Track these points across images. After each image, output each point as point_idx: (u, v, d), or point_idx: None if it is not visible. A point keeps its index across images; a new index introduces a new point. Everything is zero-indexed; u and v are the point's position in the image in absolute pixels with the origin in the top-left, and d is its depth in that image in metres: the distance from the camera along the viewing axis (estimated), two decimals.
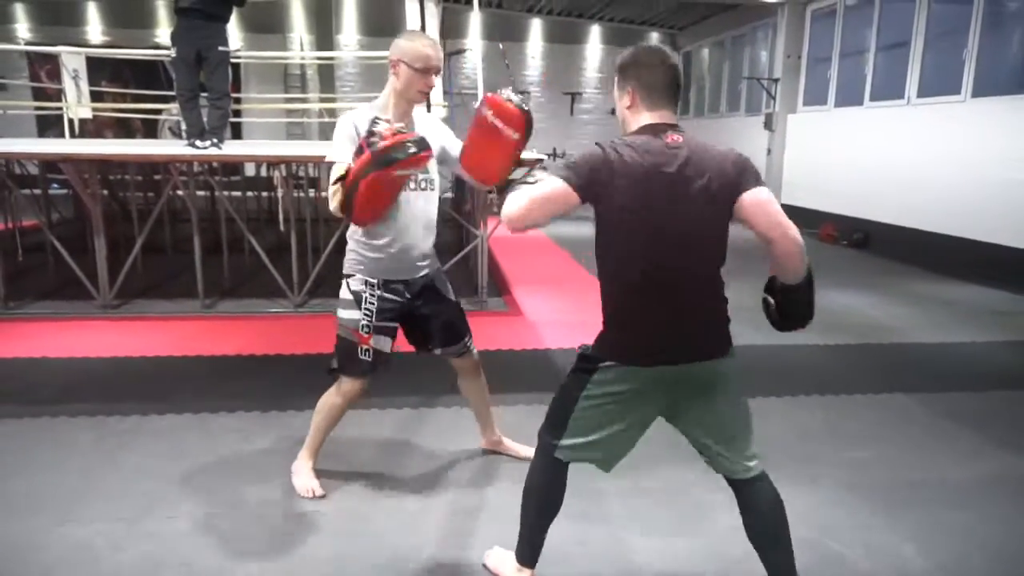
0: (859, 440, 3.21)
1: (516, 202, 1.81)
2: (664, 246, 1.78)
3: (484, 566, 2.22)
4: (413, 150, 2.23)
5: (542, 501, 2.01)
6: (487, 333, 4.71)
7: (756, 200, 1.82)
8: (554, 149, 13.77)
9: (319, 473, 2.70)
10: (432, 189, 2.57)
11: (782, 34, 10.53)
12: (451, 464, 2.92)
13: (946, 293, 6.27)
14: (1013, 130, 6.62)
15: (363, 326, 2.52)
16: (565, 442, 1.92)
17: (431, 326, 2.67)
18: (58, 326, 4.73)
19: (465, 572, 2.23)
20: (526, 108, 2.34)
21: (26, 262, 6.39)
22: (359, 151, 2.25)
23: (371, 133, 2.24)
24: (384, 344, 2.56)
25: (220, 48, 5.05)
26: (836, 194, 9.32)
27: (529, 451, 2.82)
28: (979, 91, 7.13)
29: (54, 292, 5.52)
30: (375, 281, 2.52)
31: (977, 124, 7.07)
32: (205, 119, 5.21)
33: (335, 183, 2.32)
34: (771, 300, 2.04)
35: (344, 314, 2.56)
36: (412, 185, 2.49)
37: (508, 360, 4.22)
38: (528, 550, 2.06)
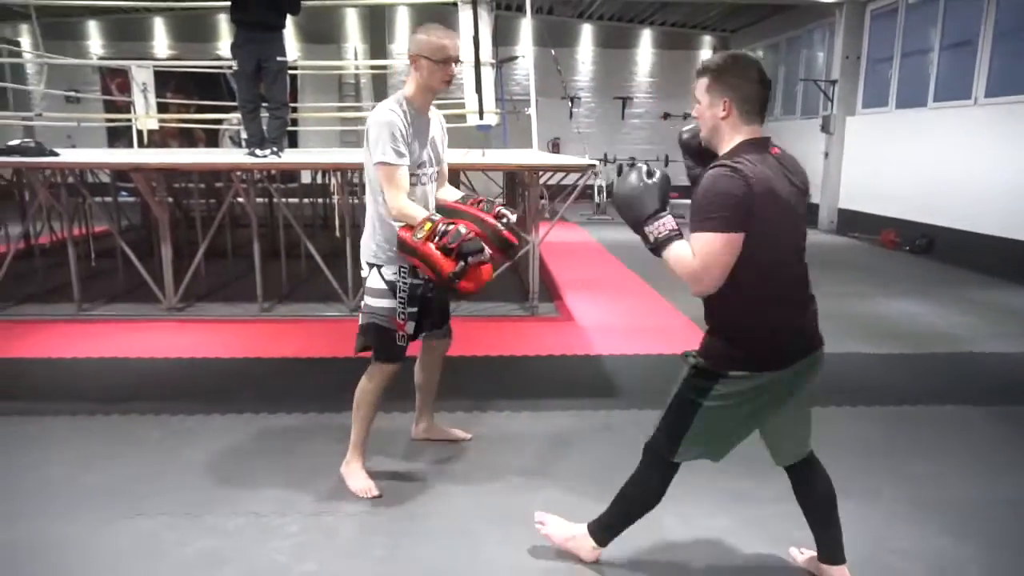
0: (921, 453, 3.10)
1: (704, 278, 1.80)
2: (794, 256, 1.92)
3: (544, 534, 2.31)
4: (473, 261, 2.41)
5: (644, 505, 2.12)
6: (537, 339, 4.73)
7: None
8: (604, 155, 13.71)
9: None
10: (435, 181, 2.75)
11: (840, 34, 10.26)
12: (465, 466, 2.93)
13: (1014, 301, 6.00)
14: None
15: (400, 314, 2.62)
16: (683, 448, 2.00)
17: (432, 307, 2.76)
18: (127, 327, 4.94)
19: (522, 570, 2.24)
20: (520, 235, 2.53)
21: (98, 266, 6.69)
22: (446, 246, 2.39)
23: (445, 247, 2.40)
24: (413, 329, 2.68)
25: (279, 59, 5.21)
26: (898, 198, 9.02)
27: (460, 432, 3.10)
28: None
29: (123, 295, 5.77)
30: (407, 268, 2.59)
31: None
32: (265, 128, 5.38)
33: (401, 207, 2.49)
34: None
35: (377, 303, 2.63)
36: (424, 179, 2.65)
37: (559, 366, 4.22)
38: (612, 535, 2.18)
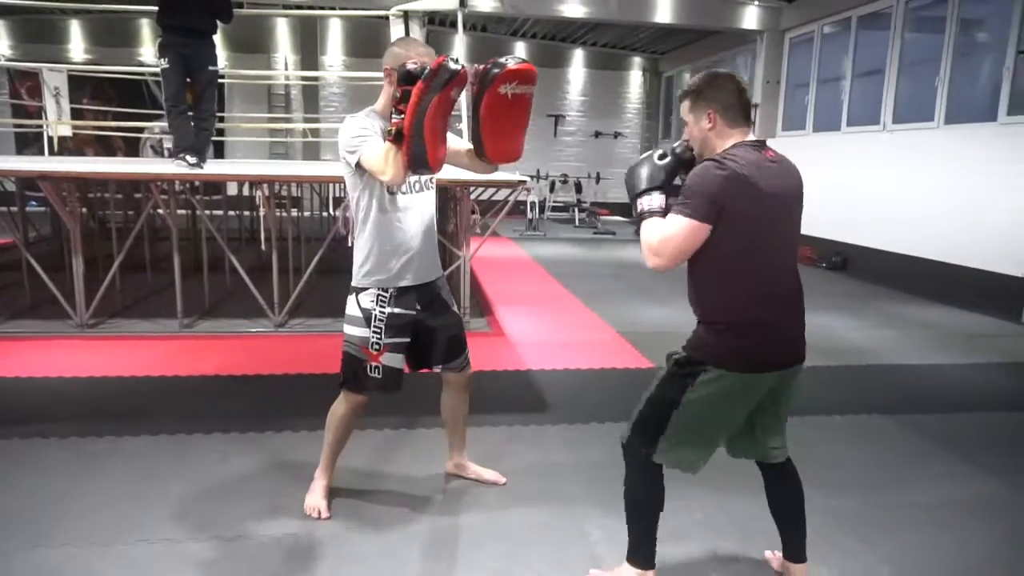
0: (835, 462, 3.23)
1: (661, 253, 1.91)
2: (782, 257, 1.97)
3: None
4: (458, 67, 2.15)
5: (651, 507, 2.10)
6: (470, 354, 4.70)
7: None
8: (537, 171, 13.88)
9: (290, 492, 2.67)
10: (431, 188, 2.59)
11: (761, 60, 10.74)
12: (433, 488, 2.89)
13: (923, 316, 6.36)
14: (984, 156, 6.78)
15: (372, 344, 2.49)
16: (662, 448, 2.00)
17: (437, 339, 2.63)
18: (32, 345, 4.65)
19: None
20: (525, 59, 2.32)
21: (1, 280, 6.29)
22: (403, 98, 2.19)
23: (408, 73, 2.21)
24: (395, 361, 2.53)
25: (210, 68, 5.00)
26: (815, 217, 9.36)
27: (493, 474, 2.92)
28: (952, 118, 7.31)
29: (29, 311, 5.44)
30: (388, 295, 2.49)
31: (950, 150, 7.23)
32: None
33: (383, 154, 2.24)
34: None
35: (351, 331, 2.53)
36: (418, 186, 2.52)
37: (490, 381, 4.21)
38: (647, 552, 2.13)
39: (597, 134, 15.09)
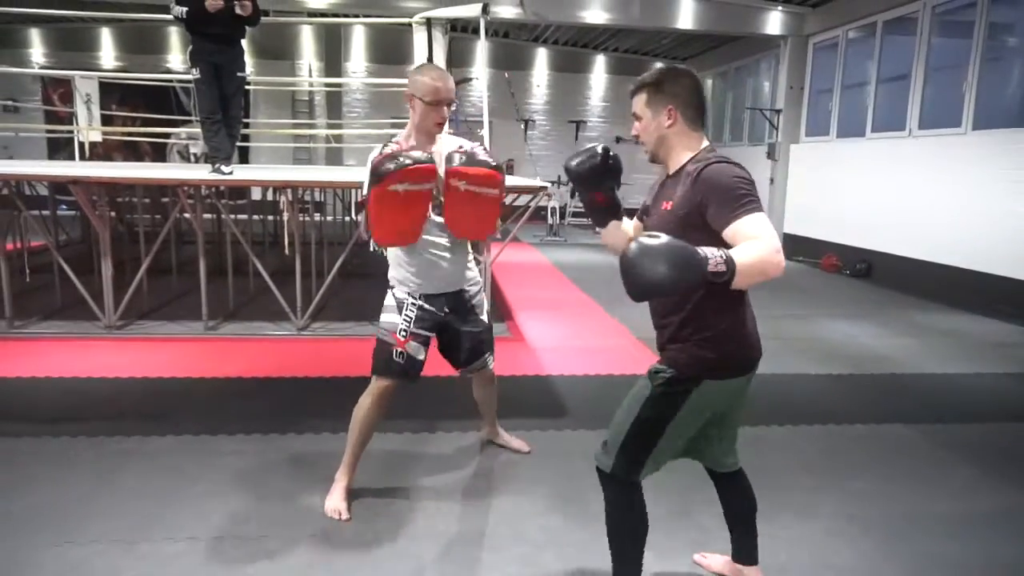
0: (858, 471, 3.19)
1: (772, 250, 1.66)
2: None
3: None
4: (407, 162, 2.31)
5: (643, 531, 2.01)
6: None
7: None
8: (559, 176, 13.88)
9: (311, 493, 2.70)
10: None
11: (785, 65, 10.66)
12: (453, 492, 2.91)
13: (948, 324, 6.27)
14: (1012, 162, 6.67)
15: (401, 330, 2.65)
16: (647, 468, 1.93)
17: (460, 343, 2.83)
18: (62, 346, 4.75)
19: None
20: (494, 163, 2.51)
21: (33, 282, 6.44)
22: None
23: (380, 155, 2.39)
24: (418, 351, 2.69)
25: (239, 74, 5.05)
26: (839, 224, 9.36)
27: (520, 442, 3.22)
28: (979, 124, 7.20)
29: (59, 312, 5.56)
30: (418, 294, 2.68)
31: (977, 156, 7.12)
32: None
33: (361, 207, 2.47)
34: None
35: (384, 318, 2.70)
36: (439, 210, 2.61)
37: (510, 387, 4.21)
38: None
39: (618, 139, 15.06)
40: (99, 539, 2.44)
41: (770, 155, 10.88)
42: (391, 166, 2.32)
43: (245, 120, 6.07)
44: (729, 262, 1.60)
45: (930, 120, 7.96)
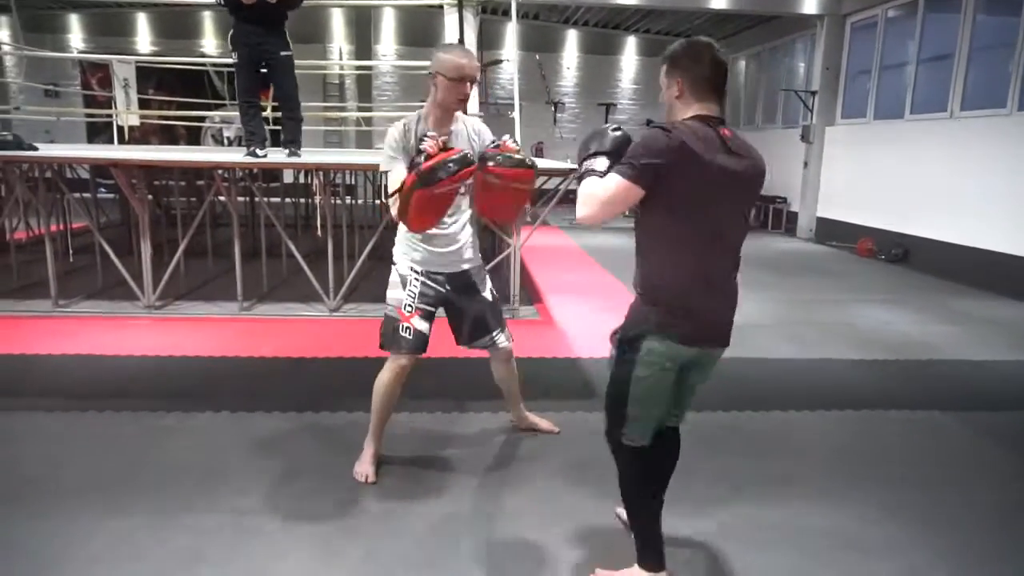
0: (893, 458, 3.16)
1: (588, 204, 1.90)
2: (722, 240, 1.94)
3: None
4: (454, 168, 2.37)
5: (645, 496, 2.10)
6: (518, 341, 4.71)
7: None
8: None
9: (345, 468, 2.78)
10: (464, 193, 2.73)
11: (820, 46, 10.42)
12: (482, 471, 2.95)
13: (987, 310, 6.12)
14: None
15: (406, 305, 2.72)
16: (629, 426, 2.03)
17: (463, 319, 2.89)
18: (104, 325, 4.90)
19: (502, 570, 2.26)
20: (530, 162, 2.56)
21: (76, 263, 6.61)
22: (411, 166, 2.44)
23: (418, 151, 2.44)
24: (423, 326, 2.74)
25: (283, 53, 4.95)
26: (875, 208, 9.18)
27: (548, 424, 3.25)
28: None
29: (101, 292, 5.71)
30: (420, 269, 2.74)
31: (1022, 137, 6.91)
32: (281, 129, 5.19)
33: (393, 194, 2.50)
34: None
35: (390, 294, 2.77)
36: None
37: (539, 368, 4.24)
38: (654, 552, 2.11)
39: (649, 122, 14.85)
40: (144, 511, 2.53)
41: (804, 138, 10.67)
42: (442, 174, 2.36)
43: (275, 104, 6.06)
44: (583, 176, 1.94)
45: (973, 101, 7.73)
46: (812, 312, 5.79)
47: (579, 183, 1.96)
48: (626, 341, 1.99)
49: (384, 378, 2.78)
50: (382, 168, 2.64)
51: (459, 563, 2.30)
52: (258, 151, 5.03)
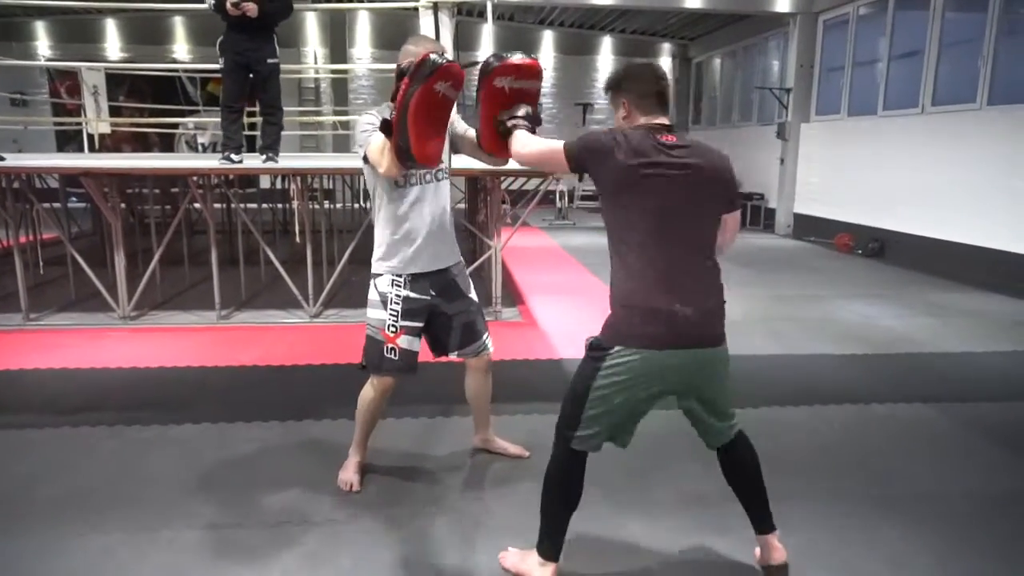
0: (880, 452, 3.18)
1: (527, 147, 2.17)
2: (682, 241, 1.95)
3: (504, 568, 2.24)
4: (442, 61, 2.22)
5: (564, 497, 2.10)
6: (501, 344, 4.71)
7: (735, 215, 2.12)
8: None
9: (329, 478, 2.73)
10: (444, 178, 2.66)
11: (794, 44, 10.53)
12: (467, 474, 2.92)
13: (964, 303, 6.21)
14: None
15: (389, 326, 2.59)
16: (582, 430, 2.02)
17: (452, 325, 2.73)
18: (78, 337, 4.79)
19: None
20: (532, 56, 2.44)
21: (47, 275, 6.47)
22: (383, 126, 2.33)
23: (400, 70, 2.40)
24: (412, 344, 2.64)
25: (270, 60, 4.94)
26: (851, 203, 9.28)
27: (518, 448, 3.06)
28: (995, 99, 7.10)
29: (74, 304, 5.59)
30: (402, 280, 2.59)
31: (992, 131, 7.03)
32: (259, 135, 5.16)
33: (379, 147, 2.36)
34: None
35: (371, 314, 2.64)
36: (428, 177, 2.58)
37: (523, 370, 4.22)
38: (551, 544, 2.13)
39: None
40: (123, 527, 2.46)
41: (780, 135, 10.77)
42: (434, 64, 2.20)
43: (251, 109, 6.00)
44: (514, 127, 2.28)
45: (944, 96, 7.85)
46: (793, 308, 5.83)
47: (507, 133, 2.25)
48: (595, 348, 2.00)
49: (368, 395, 2.71)
50: (364, 142, 2.44)
51: (446, 572, 2.27)
52: (233, 156, 4.98)
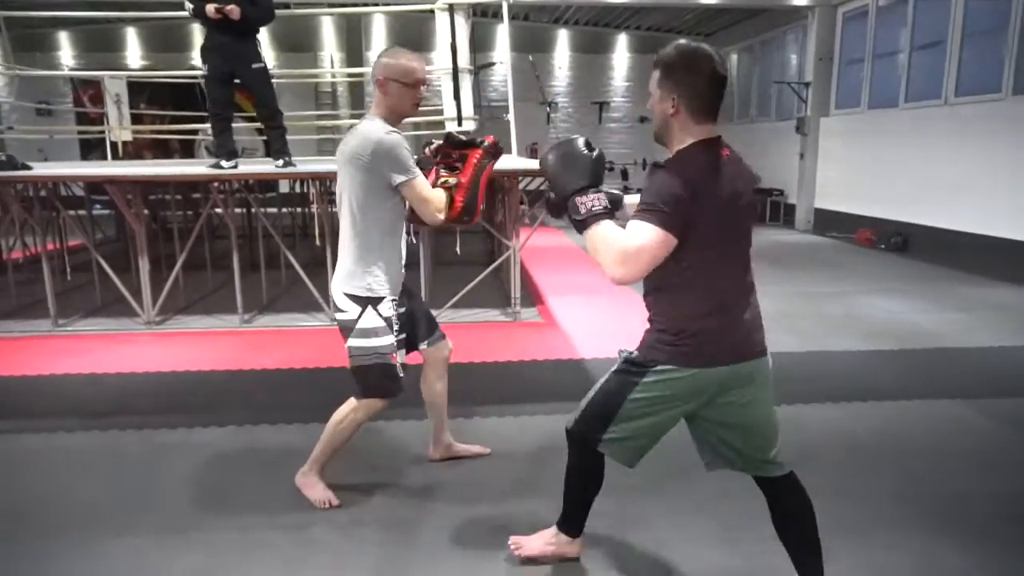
0: (909, 449, 3.14)
1: (630, 261, 1.72)
2: (735, 262, 1.87)
3: (527, 556, 2.28)
4: (500, 146, 2.63)
5: (588, 492, 2.18)
6: (521, 344, 4.73)
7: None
8: None
9: (354, 479, 2.74)
10: None
11: (813, 37, 10.42)
12: (454, 475, 2.92)
13: (991, 296, 6.11)
14: None
15: (395, 347, 2.58)
16: (608, 438, 1.98)
17: (417, 319, 2.75)
18: (105, 342, 4.86)
19: None
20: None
21: (73, 281, 6.58)
22: (419, 164, 2.52)
23: (459, 139, 2.62)
24: (402, 355, 2.67)
25: (254, 66, 4.91)
26: (873, 197, 9.16)
27: (478, 448, 3.05)
28: (1020, 88, 6.97)
29: (100, 309, 5.68)
30: (396, 299, 2.59)
31: (1019, 121, 6.90)
32: (263, 141, 5.20)
33: (441, 197, 2.54)
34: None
35: (375, 342, 2.50)
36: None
37: (543, 371, 4.22)
38: (577, 523, 2.23)
39: (642, 119, 14.88)
40: (155, 529, 2.50)
41: (799, 129, 10.66)
42: (499, 148, 2.59)
43: (252, 114, 6.02)
44: (596, 217, 1.78)
45: (967, 87, 7.72)
46: (816, 304, 5.77)
47: (577, 225, 1.80)
48: (637, 364, 1.91)
49: (357, 419, 2.60)
50: (411, 175, 2.43)
51: (480, 571, 2.28)
52: (223, 163, 4.99)
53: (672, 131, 1.84)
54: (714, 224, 1.76)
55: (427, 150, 2.68)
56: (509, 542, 2.32)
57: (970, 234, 7.46)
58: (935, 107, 8.12)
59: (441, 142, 2.66)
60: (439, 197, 2.52)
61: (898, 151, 8.68)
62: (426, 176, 2.54)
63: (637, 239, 1.71)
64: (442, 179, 2.57)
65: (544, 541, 2.28)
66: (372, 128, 2.44)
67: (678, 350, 1.85)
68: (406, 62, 2.48)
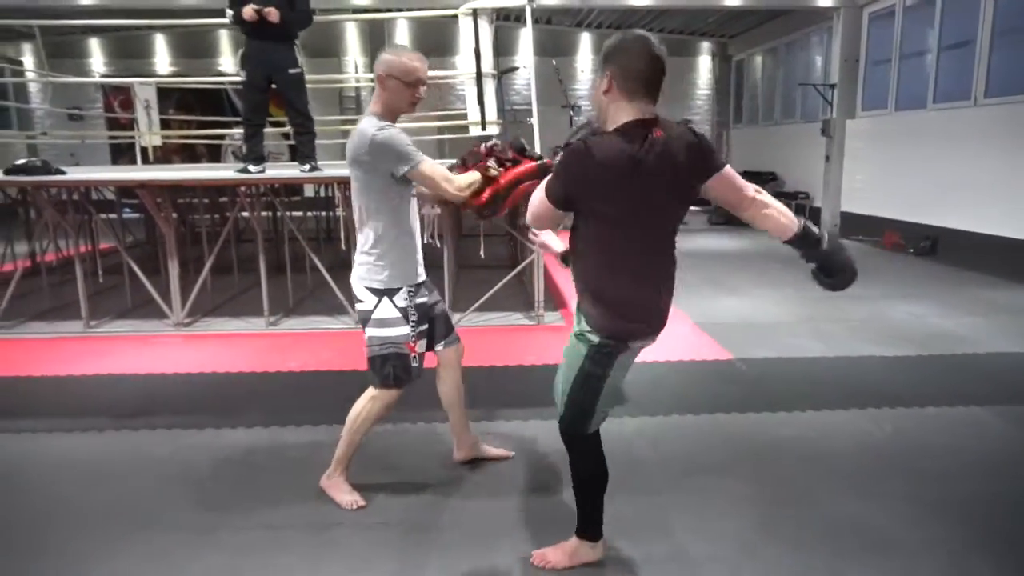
0: (932, 455, 3.09)
1: (531, 212, 2.07)
2: (653, 237, 1.96)
3: (553, 569, 2.27)
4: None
5: (601, 480, 2.22)
6: (544, 348, 4.73)
7: (722, 177, 1.96)
8: None
9: (378, 482, 2.76)
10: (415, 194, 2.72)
11: (838, 38, 10.29)
12: (477, 478, 2.93)
13: (1019, 301, 5.99)
14: None
15: (412, 337, 2.62)
16: (595, 420, 2.12)
17: (436, 319, 2.78)
18: (135, 344, 4.96)
19: None
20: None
21: (105, 283, 6.72)
22: (463, 163, 2.67)
23: (523, 147, 2.73)
24: (423, 346, 2.69)
25: (291, 71, 4.98)
26: (900, 200, 9.03)
27: (501, 450, 3.08)
28: None
29: (130, 311, 5.79)
30: (413, 288, 2.61)
31: None
32: (289, 145, 5.27)
33: (470, 181, 2.64)
34: (813, 268, 2.23)
35: (390, 332, 2.57)
36: (413, 191, 2.63)
37: None
38: (595, 526, 2.26)
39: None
40: (178, 528, 2.55)
41: (824, 132, 10.53)
42: (544, 167, 2.67)
43: (282, 119, 6.10)
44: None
45: (997, 87, 7.58)
46: (840, 309, 5.70)
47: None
48: (598, 345, 2.02)
49: (374, 410, 2.66)
50: (414, 162, 2.46)
51: (500, 572, 2.29)
52: (251, 168, 5.07)
53: (606, 110, 1.90)
54: (619, 195, 1.84)
55: (484, 146, 2.75)
56: (532, 558, 2.32)
57: (1002, 238, 7.31)
58: (964, 108, 7.98)
59: (508, 142, 2.80)
60: (459, 176, 2.62)
61: (926, 153, 8.54)
62: (470, 166, 2.70)
63: (535, 198, 2.02)
64: (488, 168, 2.68)
65: (567, 551, 2.29)
66: (366, 126, 2.49)
67: (605, 318, 1.97)
68: (408, 61, 2.51)
